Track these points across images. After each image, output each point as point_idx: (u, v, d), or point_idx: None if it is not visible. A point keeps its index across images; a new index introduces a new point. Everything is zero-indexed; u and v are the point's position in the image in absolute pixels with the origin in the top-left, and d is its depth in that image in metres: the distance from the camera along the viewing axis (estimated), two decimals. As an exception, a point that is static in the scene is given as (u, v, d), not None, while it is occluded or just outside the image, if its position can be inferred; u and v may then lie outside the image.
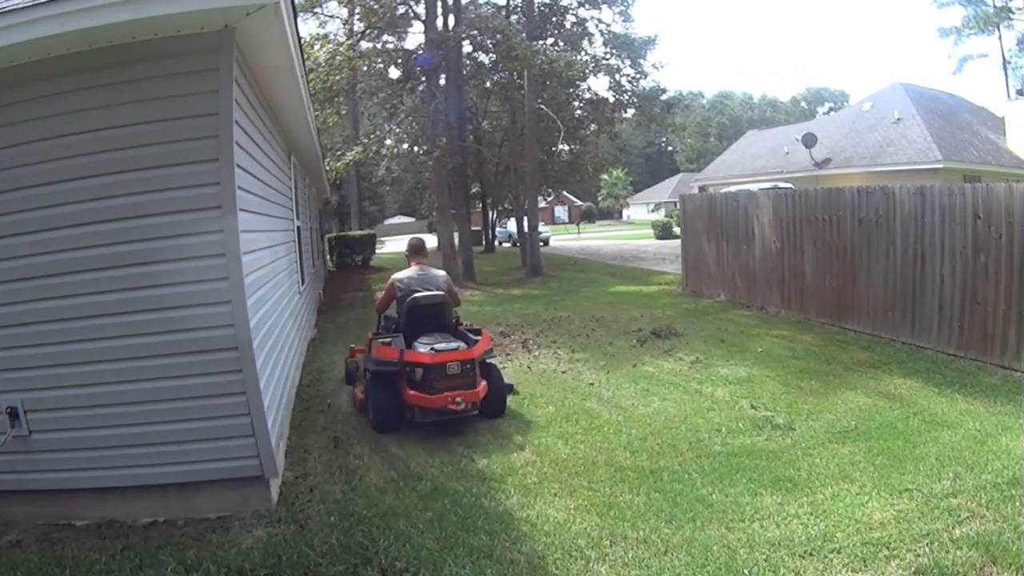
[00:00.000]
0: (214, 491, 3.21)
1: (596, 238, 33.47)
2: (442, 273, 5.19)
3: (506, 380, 5.19)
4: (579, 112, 20.04)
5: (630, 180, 52.61)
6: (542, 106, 16.14)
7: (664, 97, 20.93)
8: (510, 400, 5.17)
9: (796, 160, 22.14)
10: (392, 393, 4.56)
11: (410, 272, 5.06)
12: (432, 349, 4.49)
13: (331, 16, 15.75)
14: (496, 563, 2.76)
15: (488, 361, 4.85)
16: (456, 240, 15.14)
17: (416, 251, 5.24)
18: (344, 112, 17.84)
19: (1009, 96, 26.65)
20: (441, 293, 4.92)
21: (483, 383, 4.62)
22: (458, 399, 4.35)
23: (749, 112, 74.58)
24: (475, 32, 14.20)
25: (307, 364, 6.75)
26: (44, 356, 3.04)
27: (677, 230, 15.07)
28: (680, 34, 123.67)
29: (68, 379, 3.05)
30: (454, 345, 4.57)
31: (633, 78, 18.85)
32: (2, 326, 3.04)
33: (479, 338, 4.81)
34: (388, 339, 4.73)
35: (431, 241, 29.57)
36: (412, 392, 4.45)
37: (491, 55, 17.17)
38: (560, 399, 5.26)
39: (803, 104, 75.31)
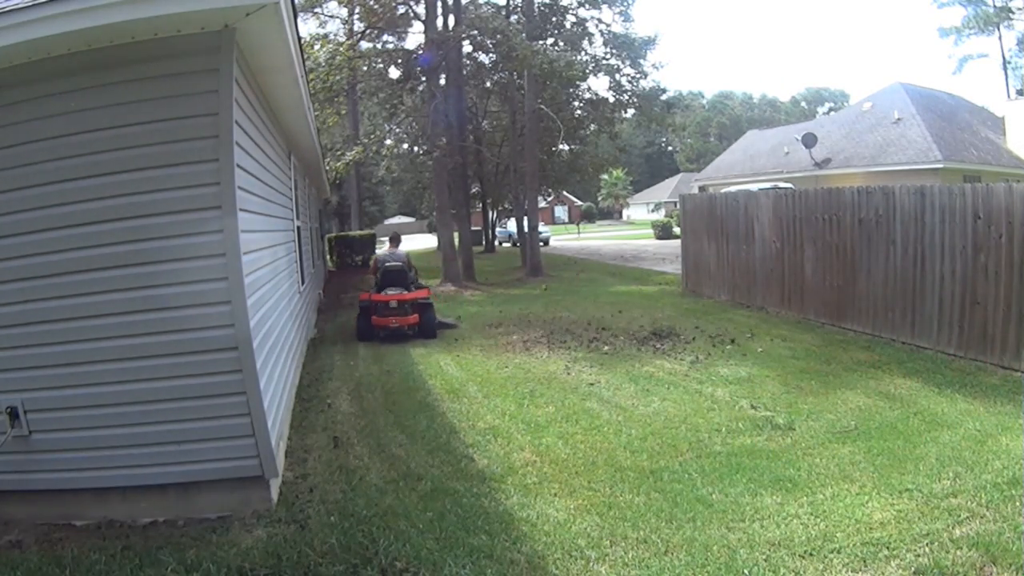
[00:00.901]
0: (214, 491, 3.21)
1: (596, 238, 33.47)
2: (404, 251, 8.81)
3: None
4: (579, 112, 20.03)
5: (630, 180, 52.56)
6: (542, 106, 16.14)
7: (664, 97, 20.91)
8: (510, 399, 5.25)
9: (796, 160, 22.14)
10: (367, 319, 8.06)
11: (385, 251, 8.86)
12: (385, 293, 8.02)
13: (331, 16, 15.79)
14: (496, 563, 2.76)
15: (426, 304, 8.15)
16: (456, 240, 15.14)
17: (393, 240, 9.10)
18: (344, 112, 17.85)
19: (1009, 96, 26.62)
20: (400, 263, 8.41)
21: (415, 315, 7.98)
22: (394, 321, 7.89)
23: (749, 112, 74.56)
24: (475, 32, 14.19)
25: (307, 364, 6.76)
26: (44, 356, 3.04)
27: (677, 230, 15.07)
28: (680, 34, 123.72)
29: (68, 379, 3.05)
30: (398, 291, 8.05)
31: (633, 78, 18.84)
32: (2, 326, 3.04)
33: (418, 291, 8.35)
34: (369, 290, 8.41)
35: (431, 241, 29.69)
36: (374, 317, 7.95)
37: (491, 55, 17.16)
38: (560, 399, 5.26)
39: (803, 104, 75.27)
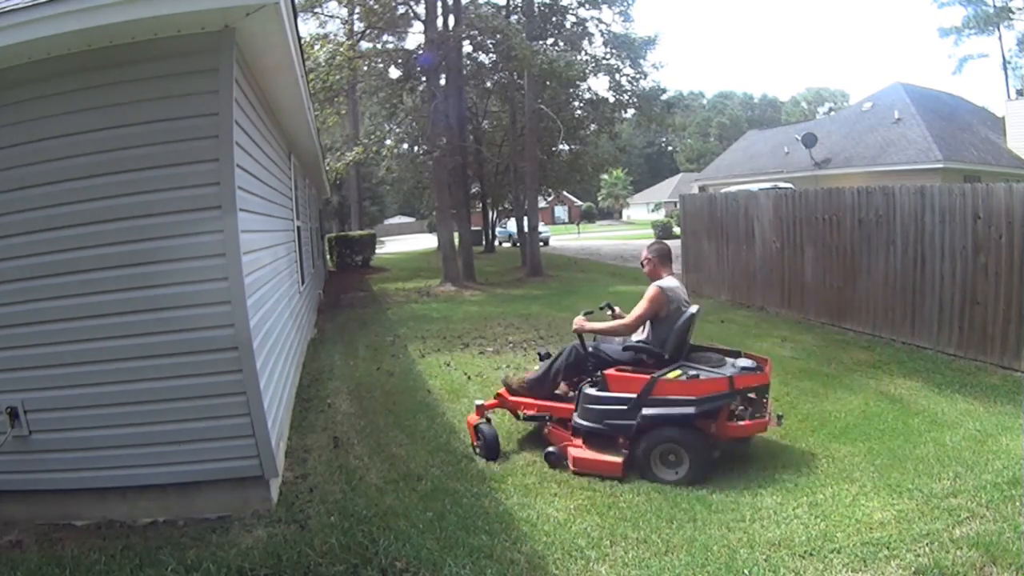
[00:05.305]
0: (214, 491, 3.21)
1: (596, 238, 33.46)
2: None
3: None
4: (579, 112, 20.05)
5: (630, 180, 52.64)
6: (542, 106, 16.14)
7: (664, 97, 20.93)
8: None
9: (796, 160, 22.13)
10: (707, 433, 3.74)
11: (674, 282, 4.24)
12: (743, 369, 3.84)
13: (331, 16, 15.77)
14: (496, 563, 2.76)
15: None
16: (456, 240, 15.14)
17: (667, 257, 4.42)
18: (344, 112, 17.84)
19: (1009, 96, 26.61)
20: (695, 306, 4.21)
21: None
22: (780, 415, 4.03)
23: (749, 112, 74.61)
24: (475, 32, 14.20)
25: (307, 364, 6.75)
26: (44, 356, 3.04)
27: (677, 230, 15.06)
28: (680, 34, 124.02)
29: (68, 379, 3.05)
30: (752, 362, 3.97)
31: (633, 78, 18.85)
32: (2, 326, 3.03)
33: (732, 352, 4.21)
34: (682, 370, 3.82)
35: (431, 241, 29.64)
36: (737, 424, 3.77)
37: (491, 55, 17.17)
38: (560, 399, 5.25)
39: (803, 104, 75.28)
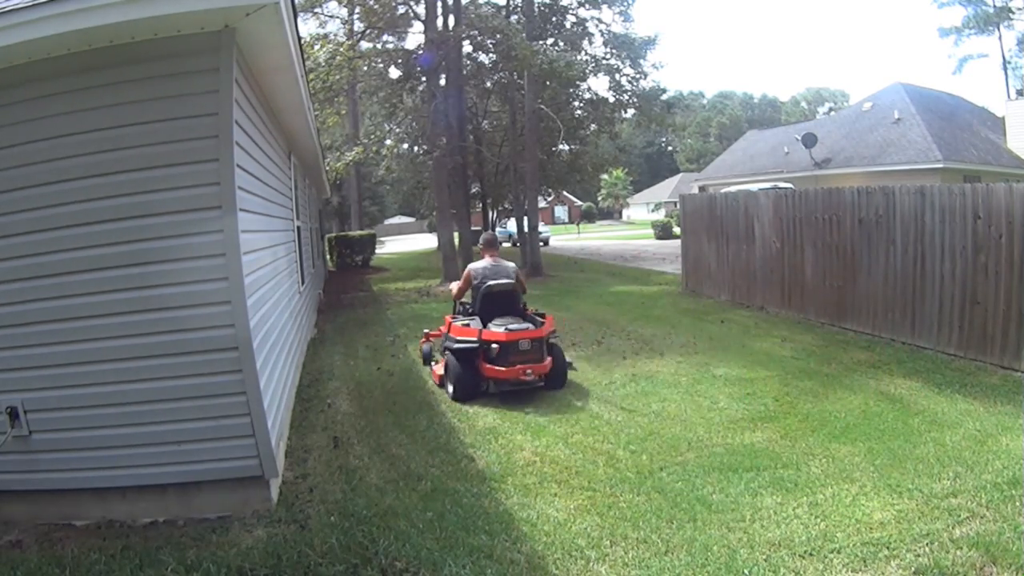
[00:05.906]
0: (214, 491, 3.21)
1: (596, 238, 33.46)
2: (512, 264, 5.88)
3: (566, 359, 5.86)
4: (579, 112, 20.05)
5: (630, 180, 52.56)
6: (542, 106, 16.15)
7: (664, 97, 20.94)
8: (508, 400, 5.21)
9: (796, 160, 22.12)
10: (471, 367, 5.31)
11: (484, 263, 5.78)
12: (506, 329, 5.28)
13: (331, 16, 15.79)
14: (496, 563, 2.76)
15: (552, 341, 5.65)
16: (456, 240, 15.14)
17: (489, 244, 5.94)
18: (344, 112, 17.85)
19: (1009, 96, 26.66)
20: (511, 282, 5.69)
21: (549, 359, 5.40)
22: (528, 371, 5.20)
23: (749, 112, 74.65)
24: (475, 32, 14.20)
25: (307, 364, 6.76)
26: (44, 356, 3.04)
27: (677, 230, 15.08)
28: (680, 34, 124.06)
29: (68, 379, 3.05)
30: (524, 325, 5.40)
31: (633, 78, 18.83)
32: (2, 326, 3.04)
33: (544, 320, 5.61)
34: (466, 321, 5.59)
35: (431, 241, 29.65)
36: (488, 366, 5.25)
37: (491, 55, 17.18)
38: (559, 399, 5.25)
39: (803, 104, 75.33)
